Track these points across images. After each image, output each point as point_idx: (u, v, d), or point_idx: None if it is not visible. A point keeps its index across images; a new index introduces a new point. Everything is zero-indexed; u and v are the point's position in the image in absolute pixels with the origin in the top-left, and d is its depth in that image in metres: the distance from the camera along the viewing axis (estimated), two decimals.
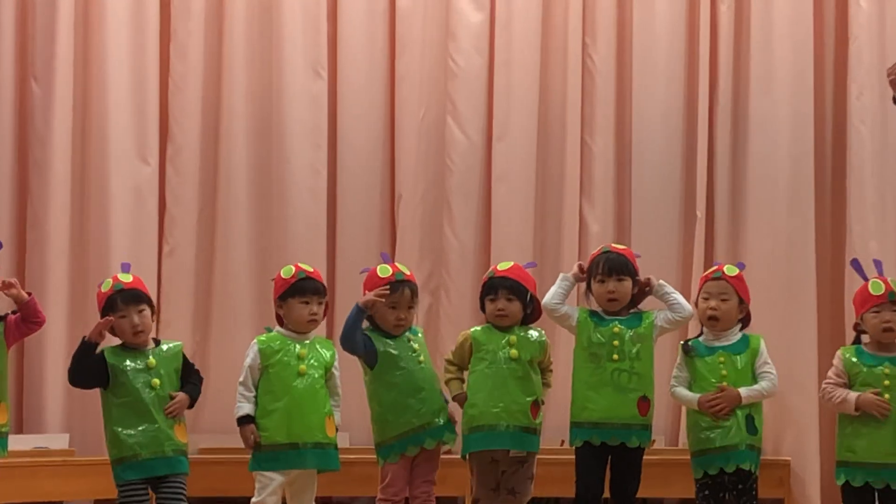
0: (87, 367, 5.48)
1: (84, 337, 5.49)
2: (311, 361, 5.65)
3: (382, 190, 7.76)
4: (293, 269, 5.74)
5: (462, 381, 5.82)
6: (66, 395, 7.38)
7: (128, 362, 5.51)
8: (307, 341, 5.70)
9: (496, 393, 5.70)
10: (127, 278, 5.63)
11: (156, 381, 5.52)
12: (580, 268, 5.94)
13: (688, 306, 5.87)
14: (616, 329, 5.78)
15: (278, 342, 5.65)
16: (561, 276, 5.95)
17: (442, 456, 5.85)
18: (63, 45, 7.51)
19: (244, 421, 5.58)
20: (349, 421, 7.20)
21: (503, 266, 5.90)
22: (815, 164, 7.59)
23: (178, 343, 5.75)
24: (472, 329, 5.87)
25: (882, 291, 5.72)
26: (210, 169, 7.68)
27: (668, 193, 7.70)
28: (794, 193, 7.56)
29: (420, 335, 5.86)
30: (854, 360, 5.70)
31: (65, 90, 7.51)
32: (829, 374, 5.77)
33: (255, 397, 5.60)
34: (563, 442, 6.26)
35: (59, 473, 6.89)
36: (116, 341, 5.60)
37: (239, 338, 7.16)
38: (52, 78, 7.50)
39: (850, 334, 6.09)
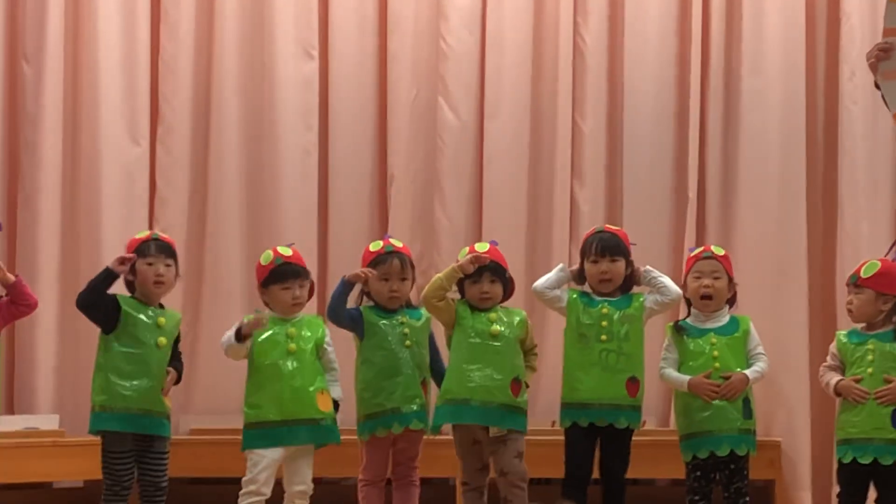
0: (99, 297, 5.53)
1: (108, 266, 5.55)
2: (301, 339, 5.64)
3: (374, 171, 7.75)
4: (271, 254, 5.72)
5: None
6: (56, 376, 7.39)
7: (142, 315, 5.58)
8: (296, 320, 5.69)
9: (473, 367, 5.67)
10: (163, 234, 5.83)
11: (162, 339, 5.61)
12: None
13: (675, 288, 5.85)
14: (605, 310, 5.77)
15: (269, 322, 5.65)
16: (560, 265, 5.97)
17: (431, 437, 5.84)
18: (53, 25, 7.48)
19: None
20: None
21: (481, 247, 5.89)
22: (806, 146, 7.57)
23: (179, 314, 5.88)
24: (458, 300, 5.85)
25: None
26: (201, 150, 7.66)
27: (659, 174, 7.67)
28: (786, 175, 7.55)
29: (422, 319, 5.82)
30: (844, 340, 5.71)
31: (55, 71, 7.48)
32: (828, 357, 5.79)
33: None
34: (553, 423, 6.24)
35: (48, 454, 6.88)
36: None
37: (229, 319, 7.01)
38: (42, 58, 7.47)
39: (842, 316, 6.09)
